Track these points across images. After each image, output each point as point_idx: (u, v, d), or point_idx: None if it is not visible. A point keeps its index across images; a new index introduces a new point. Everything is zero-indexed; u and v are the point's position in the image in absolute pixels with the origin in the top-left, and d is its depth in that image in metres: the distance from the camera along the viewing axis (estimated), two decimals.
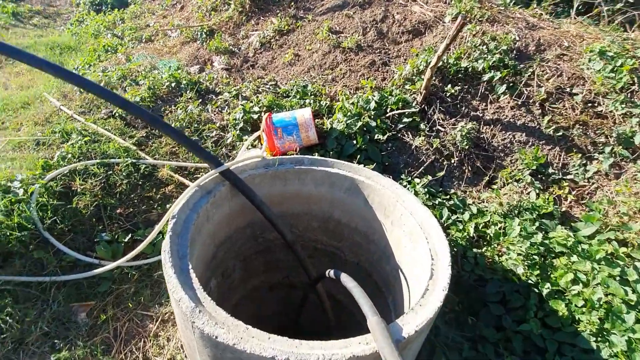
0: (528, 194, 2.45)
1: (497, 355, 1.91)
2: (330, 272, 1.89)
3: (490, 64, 2.97)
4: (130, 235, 2.34)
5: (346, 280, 1.57)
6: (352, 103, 3.01)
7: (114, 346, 1.85)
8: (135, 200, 2.53)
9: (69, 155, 2.64)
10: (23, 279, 1.98)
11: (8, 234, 2.03)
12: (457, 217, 2.41)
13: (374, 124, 2.86)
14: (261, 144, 2.93)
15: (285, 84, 3.63)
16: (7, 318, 1.77)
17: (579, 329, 1.82)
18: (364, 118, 2.87)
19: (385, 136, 2.81)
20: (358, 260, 2.59)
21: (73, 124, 3.16)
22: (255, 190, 2.17)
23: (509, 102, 2.81)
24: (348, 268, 2.68)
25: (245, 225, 2.38)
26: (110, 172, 2.63)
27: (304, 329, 3.23)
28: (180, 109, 3.33)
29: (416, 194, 2.57)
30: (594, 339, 1.75)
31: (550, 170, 2.51)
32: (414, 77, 3.13)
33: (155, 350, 1.87)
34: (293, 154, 2.76)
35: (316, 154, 2.71)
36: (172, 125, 3.19)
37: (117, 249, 2.26)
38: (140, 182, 2.64)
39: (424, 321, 1.33)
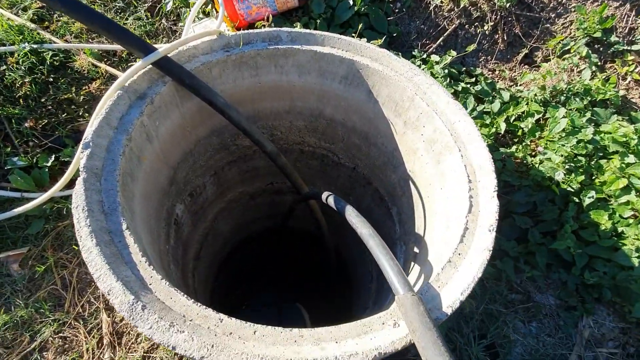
0: (580, 72, 1.86)
1: (517, 271, 1.70)
2: (329, 199, 1.44)
3: None
4: (54, 157, 1.74)
5: (356, 221, 1.13)
6: None
7: (65, 299, 1.50)
8: (50, 106, 1.82)
9: None
10: None
11: None
12: (484, 108, 1.87)
13: None
14: (216, 11, 2.05)
15: None
16: None
17: (619, 243, 1.56)
18: None
19: None
20: (355, 165, 2.14)
21: None
22: (214, 86, 1.53)
23: None
24: (343, 172, 2.26)
25: (209, 134, 1.79)
26: (4, 66, 1.82)
27: (294, 231, 3.03)
28: None
29: (433, 76, 1.94)
30: (637, 254, 1.51)
31: (613, 39, 1.86)
32: None
33: None
34: (264, 26, 1.95)
35: (298, 24, 1.91)
36: None
37: (40, 177, 1.69)
38: (51, 79, 1.87)
39: (471, 283, 0.96)
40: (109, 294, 0.82)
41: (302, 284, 3.18)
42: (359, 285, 2.51)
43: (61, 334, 1.42)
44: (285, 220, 2.55)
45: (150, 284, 0.89)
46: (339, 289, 2.77)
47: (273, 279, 3.23)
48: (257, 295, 3.17)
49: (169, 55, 1.32)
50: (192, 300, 0.87)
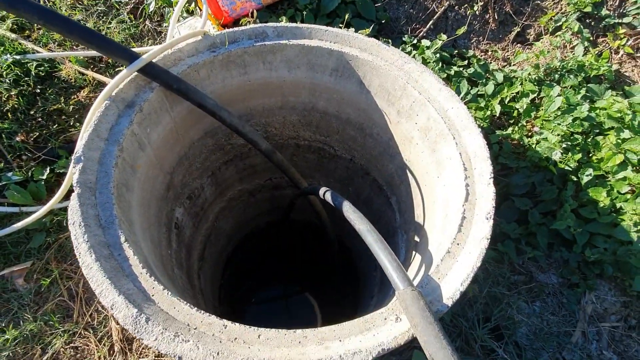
0: (572, 49, 1.83)
1: (519, 253, 1.71)
2: (327, 194, 1.44)
3: None
4: (49, 169, 1.73)
5: (353, 217, 1.13)
6: None
7: (73, 309, 1.52)
8: (40, 118, 1.80)
9: None
10: None
11: None
12: (478, 91, 1.85)
13: None
14: (200, 9, 2.01)
15: None
16: None
17: (618, 219, 1.56)
18: None
19: None
20: (352, 157, 2.13)
21: None
22: (203, 87, 1.51)
23: None
24: (340, 164, 2.25)
25: (203, 136, 1.78)
26: None
27: (297, 224, 3.04)
28: None
29: (424, 62, 1.91)
30: (636, 229, 1.51)
31: (604, 12, 1.82)
32: None
33: None
34: (249, 22, 1.91)
35: (284, 17, 1.87)
36: None
37: (37, 190, 1.69)
38: (38, 90, 1.84)
39: (470, 273, 0.97)
40: (112, 309, 0.83)
41: (309, 274, 3.21)
42: (364, 274, 2.54)
43: (72, 344, 1.45)
44: (286, 215, 2.55)
45: (152, 295, 0.89)
46: (345, 278, 2.79)
47: (280, 272, 3.25)
48: (265, 289, 3.20)
49: (154, 60, 1.30)
50: (196, 308, 0.88)
